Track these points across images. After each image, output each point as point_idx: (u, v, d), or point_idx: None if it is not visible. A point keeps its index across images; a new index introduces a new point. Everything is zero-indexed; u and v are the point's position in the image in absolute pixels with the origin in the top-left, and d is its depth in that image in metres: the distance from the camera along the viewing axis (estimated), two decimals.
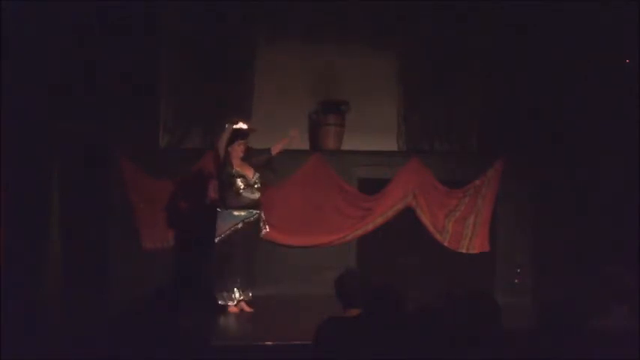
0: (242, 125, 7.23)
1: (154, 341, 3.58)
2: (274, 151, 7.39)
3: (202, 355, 3.74)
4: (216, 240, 7.09)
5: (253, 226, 7.21)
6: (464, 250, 8.38)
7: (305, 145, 8.83)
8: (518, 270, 8.32)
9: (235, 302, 7.15)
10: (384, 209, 8.33)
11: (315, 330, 4.05)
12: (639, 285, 4.40)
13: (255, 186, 7.18)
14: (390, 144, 9.02)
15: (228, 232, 7.09)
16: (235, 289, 7.14)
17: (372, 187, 8.39)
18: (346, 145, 8.78)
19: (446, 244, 8.36)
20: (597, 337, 3.80)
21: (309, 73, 8.93)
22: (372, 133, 8.80)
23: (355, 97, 8.81)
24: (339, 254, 8.20)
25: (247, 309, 7.21)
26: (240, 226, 7.10)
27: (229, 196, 7.11)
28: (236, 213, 7.11)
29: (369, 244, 8.39)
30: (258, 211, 7.22)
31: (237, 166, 7.19)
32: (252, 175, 7.20)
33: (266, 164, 7.42)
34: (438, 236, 8.35)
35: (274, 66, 8.80)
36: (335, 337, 3.96)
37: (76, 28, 7.51)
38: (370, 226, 8.34)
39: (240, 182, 7.11)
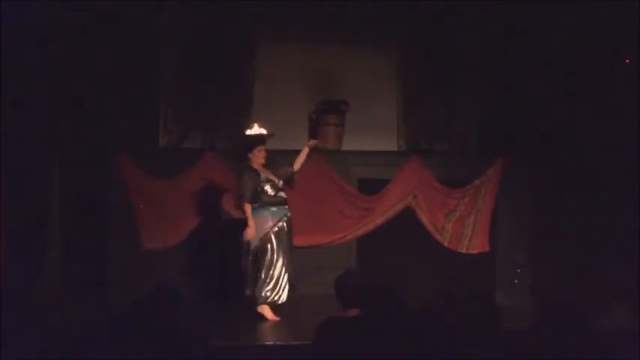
0: (259, 130, 7.11)
1: (154, 341, 3.58)
2: (296, 166, 7.26)
3: (202, 355, 3.73)
4: (260, 236, 6.95)
5: (287, 226, 7.10)
6: (464, 250, 8.37)
7: None
8: (519, 270, 8.32)
9: (265, 303, 7.03)
10: (384, 209, 8.33)
11: (315, 330, 4.05)
12: (639, 285, 4.41)
13: (282, 187, 7.11)
14: (390, 144, 9.02)
15: (269, 230, 6.96)
16: (267, 290, 7.00)
17: (372, 187, 8.39)
18: (346, 145, 8.78)
19: (446, 244, 8.35)
20: (597, 337, 3.80)
21: (309, 73, 8.94)
22: (372, 133, 8.80)
23: (355, 97, 8.81)
24: (339, 254, 8.19)
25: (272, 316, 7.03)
26: (280, 225, 6.99)
27: (263, 196, 6.98)
28: (273, 209, 7.00)
29: (369, 244, 8.39)
30: (286, 208, 7.11)
31: (262, 171, 7.07)
32: (276, 179, 7.11)
33: (288, 180, 7.26)
34: (437, 236, 8.35)
35: (274, 66, 8.80)
36: (335, 337, 3.96)
37: (76, 28, 7.52)
38: (370, 226, 8.33)
39: (269, 187, 7.01)
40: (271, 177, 7.08)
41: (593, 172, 8.05)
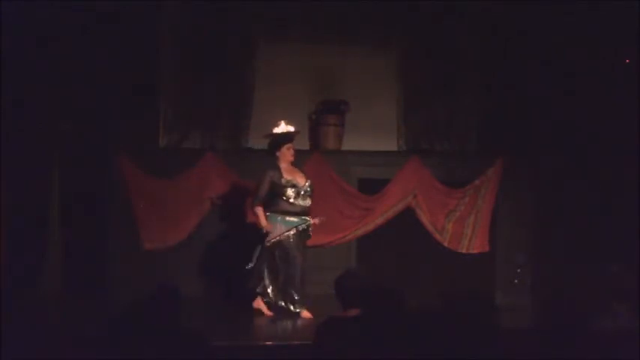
0: (286, 128, 7.06)
1: (154, 341, 3.58)
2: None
3: (202, 355, 3.73)
4: (268, 244, 6.90)
5: (304, 233, 7.01)
6: (464, 250, 8.37)
7: (305, 145, 8.83)
8: (519, 270, 8.32)
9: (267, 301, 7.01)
10: (384, 209, 8.33)
11: (315, 330, 4.05)
12: (639, 285, 4.40)
13: (307, 193, 6.98)
14: (390, 144, 9.01)
15: (279, 237, 6.89)
16: (270, 291, 6.99)
17: (372, 187, 8.39)
18: (346, 145, 8.77)
19: (446, 244, 8.35)
20: (597, 337, 3.80)
21: (309, 73, 8.93)
22: (372, 133, 8.80)
23: (355, 97, 8.80)
24: (339, 254, 8.19)
25: (268, 312, 7.04)
26: (292, 233, 6.90)
27: (281, 202, 6.89)
28: (289, 219, 6.91)
29: (369, 244, 8.38)
30: (308, 219, 7.02)
31: (288, 172, 6.98)
32: (303, 182, 6.99)
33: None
34: (437, 236, 8.35)
35: (274, 66, 8.79)
36: (335, 337, 3.95)
37: (76, 27, 7.52)
38: (370, 226, 8.33)
39: (290, 192, 6.91)
40: (297, 180, 6.97)
41: (593, 172, 8.05)
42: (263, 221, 6.89)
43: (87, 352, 3.79)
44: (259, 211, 6.92)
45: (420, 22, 9.01)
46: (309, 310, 6.93)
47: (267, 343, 6.06)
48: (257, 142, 8.58)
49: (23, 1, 6.92)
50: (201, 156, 8.16)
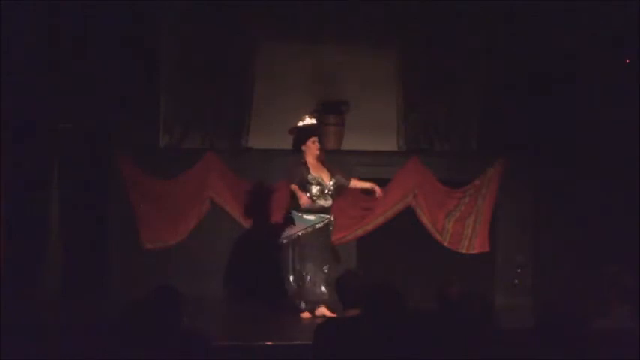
0: (310, 121, 7.07)
1: (154, 341, 3.58)
2: (352, 184, 7.22)
3: (202, 355, 3.73)
4: (283, 241, 6.91)
5: (323, 231, 6.99)
6: (464, 250, 8.37)
7: None
8: (519, 270, 8.32)
9: (308, 306, 6.88)
10: (384, 209, 8.32)
11: (315, 330, 4.05)
12: (639, 285, 4.40)
13: (330, 193, 6.97)
14: (390, 144, 9.00)
15: (296, 235, 6.88)
16: (309, 291, 6.86)
17: None
18: (346, 145, 8.77)
19: (446, 244, 8.35)
20: (597, 337, 3.80)
21: (309, 73, 8.93)
22: (372, 133, 8.79)
23: (355, 97, 8.80)
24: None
25: (328, 313, 6.77)
26: (309, 230, 6.88)
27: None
28: (306, 217, 6.89)
29: (369, 244, 8.38)
30: (328, 216, 7.02)
31: (314, 167, 6.98)
32: (328, 179, 6.99)
33: (337, 188, 7.16)
34: (438, 236, 8.35)
35: (274, 66, 8.79)
36: (335, 337, 3.96)
37: (77, 27, 7.52)
38: (370, 226, 8.33)
39: (315, 190, 6.91)
40: (323, 178, 6.96)
41: (593, 172, 8.04)
42: (300, 194, 6.79)
43: (87, 352, 3.79)
44: (296, 187, 6.85)
45: (420, 22, 9.00)
46: (309, 310, 6.92)
47: (267, 343, 6.06)
48: (257, 142, 8.59)
49: (23, 1, 6.92)
50: (201, 156, 8.16)
